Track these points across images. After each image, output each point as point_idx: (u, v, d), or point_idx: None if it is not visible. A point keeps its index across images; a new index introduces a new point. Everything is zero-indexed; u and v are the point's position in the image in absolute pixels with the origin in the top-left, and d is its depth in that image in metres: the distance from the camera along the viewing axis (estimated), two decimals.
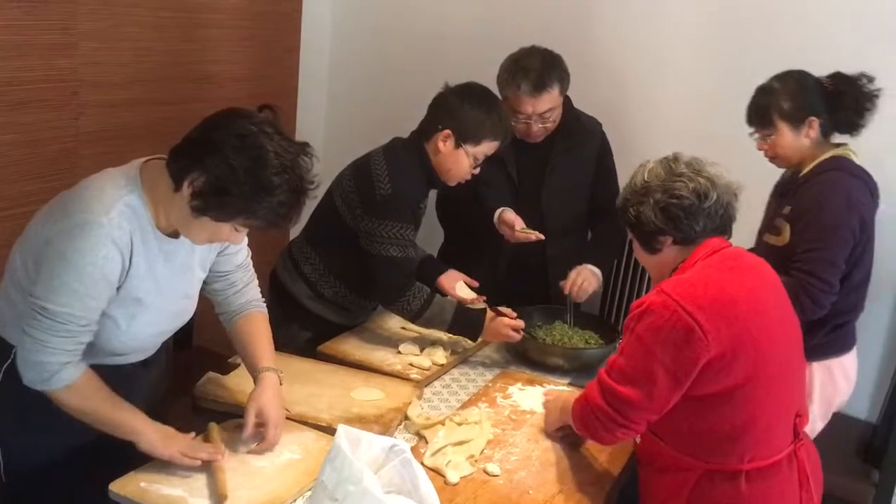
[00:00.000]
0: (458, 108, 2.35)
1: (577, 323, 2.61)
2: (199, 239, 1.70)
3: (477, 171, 2.45)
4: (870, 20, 2.79)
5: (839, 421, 2.96)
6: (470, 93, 2.39)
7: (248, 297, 2.00)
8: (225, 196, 1.55)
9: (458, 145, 2.36)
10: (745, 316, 1.65)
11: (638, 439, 1.87)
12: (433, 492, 1.46)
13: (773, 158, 2.42)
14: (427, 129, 2.42)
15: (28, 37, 2.51)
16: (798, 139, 2.37)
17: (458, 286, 2.54)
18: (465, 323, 2.39)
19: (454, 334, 2.43)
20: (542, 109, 2.61)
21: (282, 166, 1.55)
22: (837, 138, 2.44)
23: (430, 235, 2.89)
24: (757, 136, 2.42)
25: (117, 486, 1.64)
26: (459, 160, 2.38)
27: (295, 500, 1.67)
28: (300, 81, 3.72)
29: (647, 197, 1.78)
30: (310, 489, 1.65)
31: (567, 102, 2.72)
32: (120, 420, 1.68)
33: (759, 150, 2.42)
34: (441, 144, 2.36)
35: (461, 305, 2.44)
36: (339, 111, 3.80)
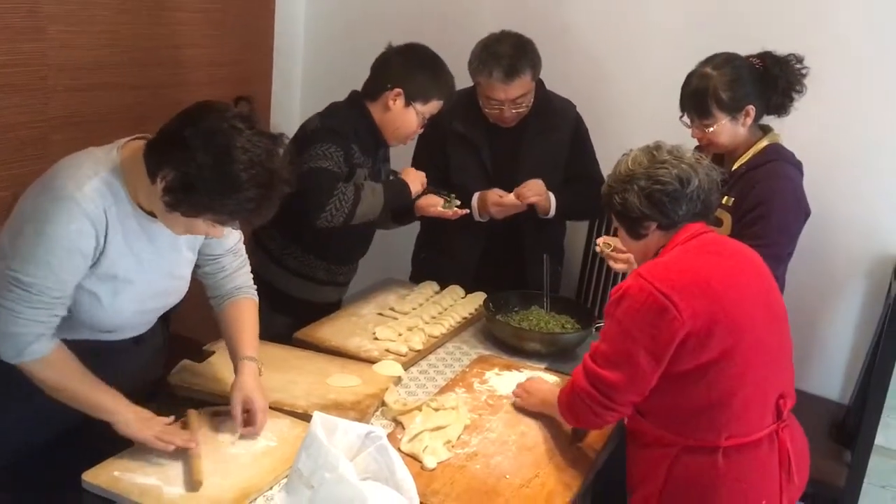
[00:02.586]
0: (407, 67, 2.43)
1: (554, 308, 2.62)
2: (177, 231, 1.71)
3: (421, 129, 2.52)
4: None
5: (812, 402, 3.00)
6: (418, 53, 2.47)
7: (237, 282, 2.00)
8: (193, 193, 1.56)
9: (407, 104, 2.43)
10: (721, 295, 1.70)
11: (625, 419, 1.90)
12: (409, 477, 1.46)
13: (708, 146, 2.39)
14: (373, 89, 2.47)
15: None
16: (735, 128, 2.34)
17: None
18: (394, 187, 2.51)
19: (393, 204, 2.52)
20: (514, 95, 2.61)
21: (250, 162, 1.54)
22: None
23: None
24: (691, 123, 2.37)
25: (90, 476, 1.63)
26: (409, 118, 2.45)
27: (271, 488, 1.66)
28: (275, 64, 3.67)
29: (632, 184, 1.82)
30: (285, 476, 1.65)
31: (539, 85, 2.71)
32: (95, 399, 1.68)
33: (694, 137, 2.38)
34: (391, 103, 2.43)
35: (387, 182, 2.54)
36: (314, 94, 3.74)
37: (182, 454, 1.70)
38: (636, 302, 1.69)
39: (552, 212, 2.74)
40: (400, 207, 2.59)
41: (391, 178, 2.58)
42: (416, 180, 2.55)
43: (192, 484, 1.62)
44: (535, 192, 2.68)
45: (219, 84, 3.27)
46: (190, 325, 2.30)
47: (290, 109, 3.79)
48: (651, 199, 1.80)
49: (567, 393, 1.85)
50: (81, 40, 2.73)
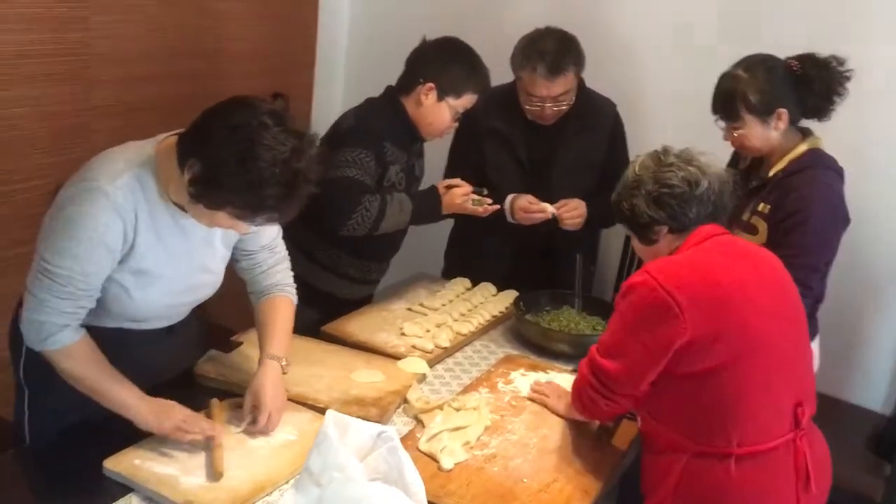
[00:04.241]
0: (440, 61, 2.41)
1: (586, 308, 2.59)
2: (203, 222, 1.72)
3: (456, 124, 2.49)
4: None
5: (854, 412, 2.93)
6: (451, 47, 2.44)
7: (274, 279, 2.01)
8: (215, 186, 1.57)
9: (440, 98, 2.41)
10: (730, 297, 1.68)
11: (639, 422, 1.88)
12: (419, 480, 1.45)
13: (741, 149, 2.34)
14: (407, 83, 2.46)
15: (40, 10, 2.51)
16: (767, 131, 2.26)
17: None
18: (426, 205, 2.47)
19: (419, 223, 2.50)
20: (556, 93, 2.57)
21: (274, 160, 1.54)
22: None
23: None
24: (723, 124, 2.31)
25: (111, 463, 1.66)
26: (441, 113, 2.43)
27: (288, 482, 1.68)
28: (318, 57, 3.69)
29: (639, 189, 1.82)
30: (299, 474, 1.65)
31: (580, 83, 2.67)
32: (111, 392, 1.70)
33: (726, 140, 2.32)
34: (423, 97, 2.41)
35: (419, 197, 2.49)
36: (357, 86, 3.75)
37: (204, 444, 1.72)
38: (640, 297, 1.69)
39: (581, 226, 2.70)
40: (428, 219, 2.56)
41: (427, 189, 2.53)
42: (452, 205, 2.50)
43: (214, 475, 1.64)
44: (575, 215, 2.65)
45: (260, 75, 3.30)
46: (224, 315, 2.32)
47: (332, 101, 3.81)
48: (659, 203, 1.79)
49: (575, 382, 1.89)
50: (125, 30, 2.79)
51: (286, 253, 2.06)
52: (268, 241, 2.00)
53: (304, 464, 1.46)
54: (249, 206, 1.60)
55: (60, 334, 1.67)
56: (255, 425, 1.81)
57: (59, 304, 1.65)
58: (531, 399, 2.10)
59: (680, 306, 1.64)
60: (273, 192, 1.57)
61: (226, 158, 1.54)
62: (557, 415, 2.04)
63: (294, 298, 2.04)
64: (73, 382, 1.70)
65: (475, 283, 2.76)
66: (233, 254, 1.96)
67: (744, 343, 1.67)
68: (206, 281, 1.92)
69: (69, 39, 2.60)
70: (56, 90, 2.60)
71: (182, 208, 1.73)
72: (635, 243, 1.93)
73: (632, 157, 2.74)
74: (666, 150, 1.85)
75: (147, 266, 1.74)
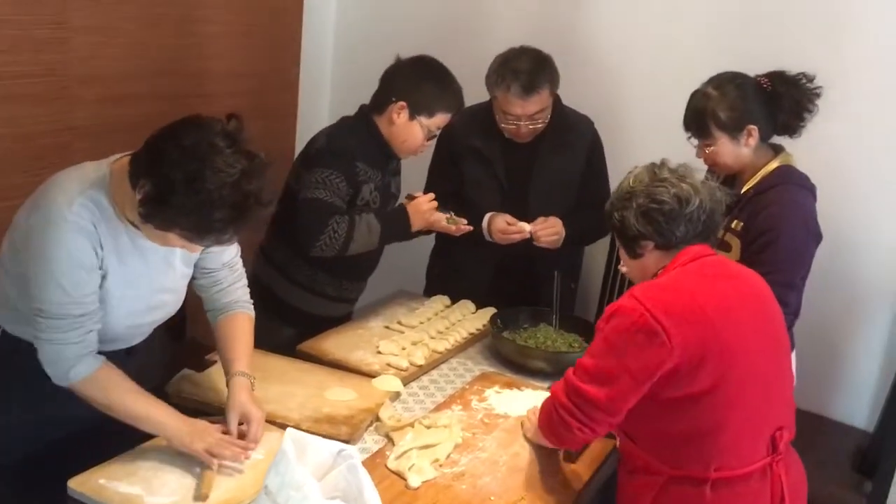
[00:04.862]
0: (412, 80, 2.41)
1: (563, 326, 2.59)
2: (155, 242, 1.73)
3: (430, 143, 2.50)
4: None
5: (836, 430, 2.93)
6: (424, 66, 2.45)
7: (233, 296, 2.02)
8: (164, 207, 1.57)
9: (412, 117, 2.41)
10: (714, 322, 1.66)
11: (618, 442, 1.87)
12: (377, 499, 1.45)
13: (713, 166, 2.35)
14: (379, 102, 2.47)
15: (19, 32, 2.53)
16: (738, 148, 2.28)
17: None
18: (394, 224, 2.47)
19: (389, 241, 2.50)
20: (531, 111, 2.59)
21: (222, 183, 1.54)
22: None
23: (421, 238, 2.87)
24: (695, 142, 2.34)
25: (76, 483, 1.65)
26: (413, 132, 2.44)
27: (253, 501, 1.67)
28: (303, 74, 3.71)
29: (631, 202, 1.80)
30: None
31: (556, 101, 2.69)
32: (146, 413, 1.72)
33: (698, 157, 2.33)
34: (395, 116, 2.42)
35: (382, 212, 2.49)
36: (343, 103, 3.78)
37: (182, 465, 1.73)
38: (626, 321, 1.66)
39: (559, 245, 2.71)
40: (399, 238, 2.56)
41: (394, 208, 2.54)
42: (420, 217, 2.50)
43: (200, 496, 1.65)
44: (551, 234, 2.66)
45: (243, 95, 3.31)
46: (207, 332, 2.33)
47: (318, 120, 3.81)
48: (647, 218, 1.77)
49: (546, 408, 1.83)
50: (107, 51, 2.80)
51: (243, 270, 2.07)
52: (229, 258, 2.00)
53: (263, 482, 1.46)
54: (197, 228, 1.61)
55: (80, 365, 1.69)
56: (245, 440, 1.80)
57: (65, 336, 1.67)
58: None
59: (666, 331, 1.61)
60: (221, 214, 1.57)
61: (175, 179, 1.54)
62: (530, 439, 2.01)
63: (252, 314, 2.05)
64: (104, 409, 1.71)
65: (455, 301, 2.77)
66: (192, 271, 1.96)
67: (727, 368, 1.65)
68: (167, 300, 1.92)
69: (49, 60, 2.61)
70: (35, 110, 2.62)
71: (138, 227, 1.73)
72: (623, 256, 1.91)
73: (610, 174, 2.80)
74: (662, 164, 1.83)
75: (108, 287, 1.75)
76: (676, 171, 1.82)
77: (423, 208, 2.48)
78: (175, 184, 1.54)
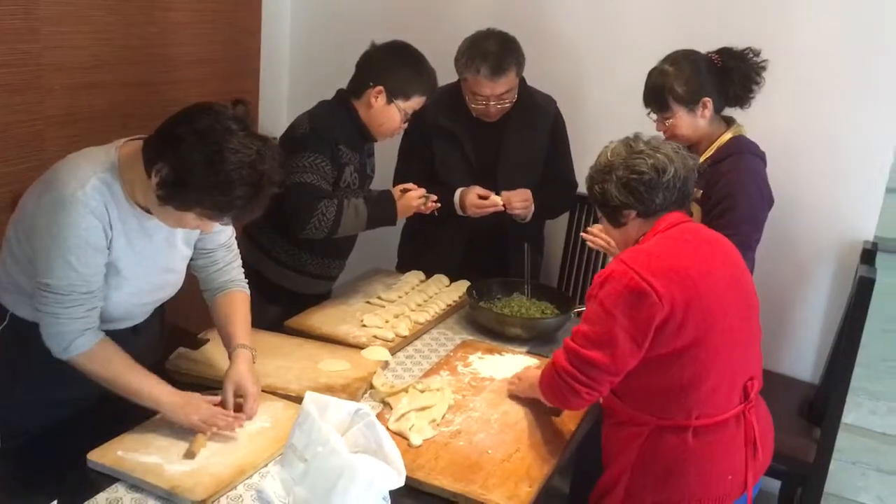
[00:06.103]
0: (388, 65, 2.50)
1: (534, 294, 2.73)
2: (169, 224, 1.81)
3: (406, 125, 2.59)
4: None
5: (784, 383, 3.12)
6: (399, 51, 2.54)
7: (229, 275, 2.10)
8: (184, 188, 1.66)
9: (389, 101, 2.50)
10: (696, 283, 1.79)
11: (601, 399, 2.00)
12: (396, 450, 1.56)
13: (672, 138, 2.50)
14: (357, 86, 2.55)
15: None
16: (695, 120, 2.48)
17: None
18: (381, 210, 2.56)
19: (374, 227, 2.58)
20: (500, 92, 2.71)
21: (240, 162, 1.63)
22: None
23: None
24: (654, 117, 2.52)
25: (96, 455, 1.72)
26: (391, 115, 2.53)
27: (266, 465, 1.76)
28: (262, 63, 3.75)
29: (611, 174, 1.92)
30: (279, 455, 1.75)
31: (521, 82, 2.81)
32: (140, 387, 1.80)
33: (658, 130, 2.50)
34: (373, 100, 2.50)
35: (371, 197, 2.58)
36: (301, 92, 3.84)
37: (189, 432, 1.80)
38: (619, 285, 1.77)
39: (529, 217, 2.85)
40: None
41: (382, 193, 2.61)
42: (407, 209, 2.60)
43: (189, 454, 1.74)
44: (522, 200, 2.79)
45: (207, 81, 3.34)
46: (185, 315, 2.39)
47: (277, 106, 3.89)
48: (628, 188, 1.89)
49: (548, 373, 1.94)
50: (75, 40, 2.80)
51: (238, 251, 2.15)
52: (226, 239, 2.09)
53: (287, 442, 1.55)
54: (218, 207, 1.70)
55: (79, 340, 1.75)
56: (242, 413, 1.87)
57: (69, 312, 1.74)
58: (509, 393, 2.16)
59: (656, 291, 1.74)
60: (241, 192, 1.66)
61: (195, 161, 1.63)
62: (522, 396, 2.12)
63: (248, 292, 2.14)
64: (102, 383, 1.78)
65: (428, 276, 2.88)
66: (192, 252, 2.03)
67: (707, 325, 1.79)
68: (170, 280, 2.00)
69: (20, 50, 2.61)
70: (8, 100, 2.62)
71: (147, 211, 1.81)
72: (606, 226, 2.03)
73: (573, 150, 2.95)
74: (637, 137, 1.96)
75: (119, 267, 1.82)
76: (650, 142, 1.95)
77: (413, 203, 2.58)
78: (195, 165, 1.62)
